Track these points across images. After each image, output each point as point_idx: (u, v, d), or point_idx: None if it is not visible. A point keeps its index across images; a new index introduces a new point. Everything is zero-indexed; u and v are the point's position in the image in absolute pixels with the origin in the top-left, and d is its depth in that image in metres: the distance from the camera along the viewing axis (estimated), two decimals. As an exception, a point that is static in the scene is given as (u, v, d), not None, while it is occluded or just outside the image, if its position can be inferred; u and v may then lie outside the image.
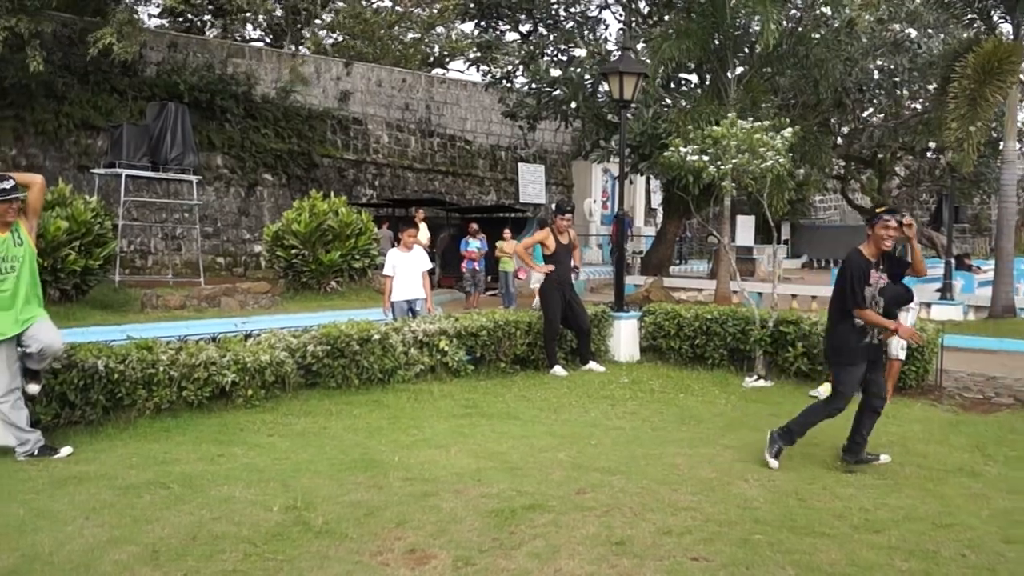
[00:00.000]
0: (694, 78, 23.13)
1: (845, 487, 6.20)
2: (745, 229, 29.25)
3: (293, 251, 18.85)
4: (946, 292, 18.97)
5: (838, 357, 6.81)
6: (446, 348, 9.82)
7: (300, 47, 33.47)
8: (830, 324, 6.86)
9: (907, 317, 9.58)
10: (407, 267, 11.03)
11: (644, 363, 11.39)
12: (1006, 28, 18.07)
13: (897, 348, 9.52)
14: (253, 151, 26.33)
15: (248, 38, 34.14)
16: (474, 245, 18.66)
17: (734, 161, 10.19)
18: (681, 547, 4.90)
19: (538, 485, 5.98)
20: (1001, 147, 18.33)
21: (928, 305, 18.58)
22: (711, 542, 5.00)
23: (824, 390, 9.45)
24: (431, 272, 11.67)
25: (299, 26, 32.15)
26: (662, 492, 5.91)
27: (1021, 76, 18.44)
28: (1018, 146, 29.27)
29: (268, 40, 33.60)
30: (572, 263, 11.02)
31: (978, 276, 22.84)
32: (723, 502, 5.74)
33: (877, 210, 6.93)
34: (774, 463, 6.70)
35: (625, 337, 11.56)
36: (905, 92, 24.84)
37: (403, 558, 4.69)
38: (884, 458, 6.90)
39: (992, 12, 18.30)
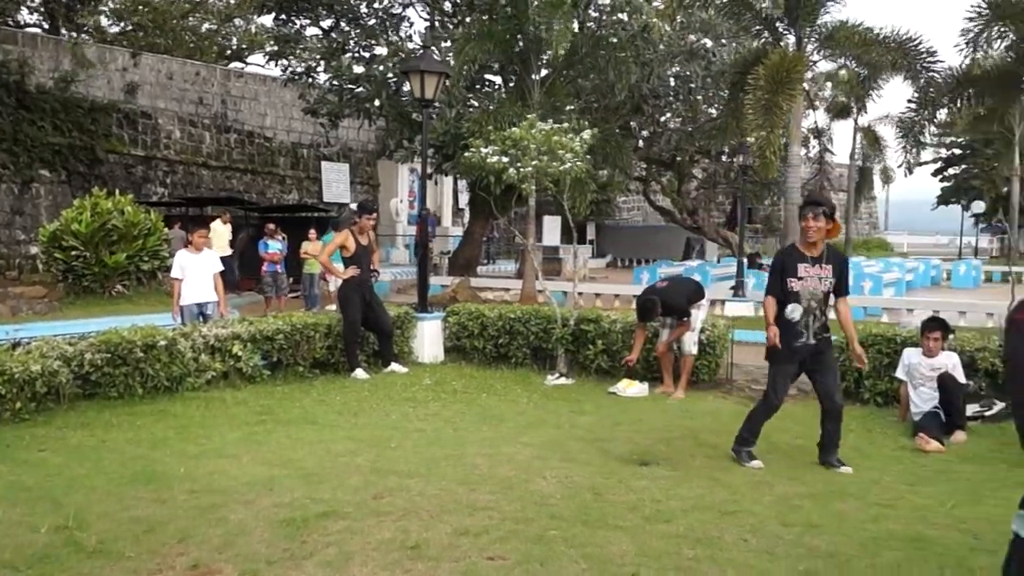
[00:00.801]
0: (499, 79, 23.47)
1: (639, 480, 6.43)
2: (551, 229, 29.94)
3: (73, 253, 17.80)
4: (738, 290, 20.08)
5: (769, 355, 6.97)
6: (240, 353, 9.53)
7: (81, 34, 31.65)
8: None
9: (698, 314, 10.09)
10: (197, 269, 10.63)
11: (448, 364, 11.45)
12: (792, 39, 19.31)
13: (690, 344, 9.99)
14: (28, 145, 24.66)
15: (23, 23, 31.98)
16: (274, 247, 18.18)
17: (534, 163, 10.40)
18: (477, 547, 4.94)
19: (333, 491, 5.89)
20: (787, 152, 19.56)
21: (722, 302, 19.62)
22: (507, 540, 5.06)
23: (623, 386, 9.80)
24: (227, 274, 11.29)
25: (79, 9, 30.36)
26: (460, 493, 5.94)
27: (804, 84, 19.77)
28: (803, 151, 31.41)
29: (45, 26, 31.57)
30: (371, 265, 10.93)
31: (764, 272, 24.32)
32: (521, 500, 5.83)
33: (800, 206, 7.18)
34: (756, 463, 6.97)
35: (429, 338, 11.58)
36: (700, 98, 26.15)
37: (185, 575, 4.50)
38: (845, 469, 6.98)
39: (777, 24, 19.51)
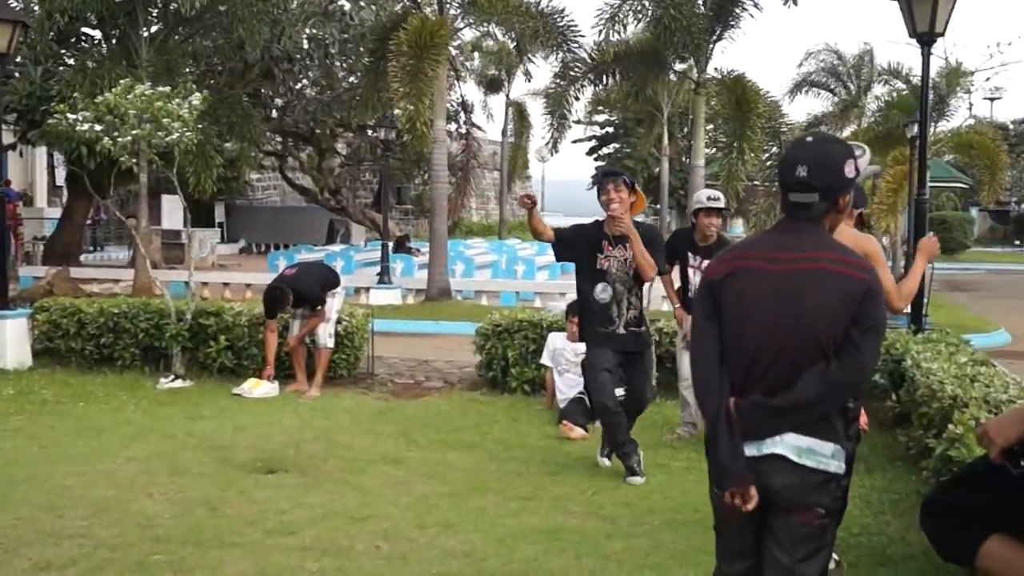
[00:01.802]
0: (99, 34, 22.14)
1: (263, 489, 6.35)
2: (172, 210, 28.74)
3: None
4: (384, 276, 20.39)
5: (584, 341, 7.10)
6: None
7: None
8: None
9: (333, 303, 10.10)
10: None
11: (37, 370, 10.66)
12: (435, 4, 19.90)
13: (325, 336, 9.99)
14: None
15: None
16: None
17: (134, 132, 9.90)
18: (61, 583, 4.66)
19: None
20: (432, 127, 20.06)
21: (367, 289, 19.86)
22: (100, 571, 4.82)
23: (249, 386, 9.62)
24: None
25: None
26: (44, 520, 5.57)
27: (451, 50, 20.46)
28: (452, 126, 32.47)
29: None
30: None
31: (417, 258, 24.88)
32: (120, 523, 5.57)
33: (598, 178, 7.08)
34: (605, 462, 7.17)
35: (12, 340, 10.73)
36: (339, 64, 26.24)
37: None
38: (634, 479, 6.78)
39: (419, -14, 20.05)
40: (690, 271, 7.93)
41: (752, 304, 3.08)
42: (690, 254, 7.93)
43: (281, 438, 7.82)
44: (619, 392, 6.88)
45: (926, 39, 9.68)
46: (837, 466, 3.06)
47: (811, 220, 3.13)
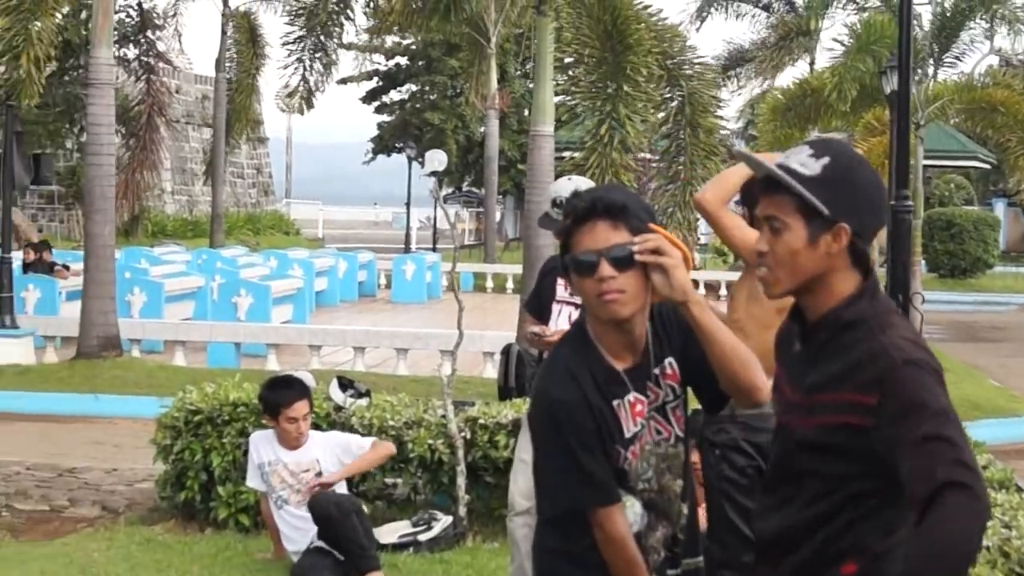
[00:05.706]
0: None
1: None
2: None
3: None
4: (6, 314, 19.60)
5: None
6: None
7: None
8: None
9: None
10: None
11: None
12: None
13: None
14: None
15: None
16: None
17: None
18: None
19: None
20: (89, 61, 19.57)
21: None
22: None
23: None
24: None
25: None
26: None
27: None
28: (133, 52, 31.95)
29: None
30: None
31: (65, 282, 24.06)
32: None
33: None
34: None
35: None
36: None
37: None
38: None
39: None
40: (555, 306, 7.60)
41: None
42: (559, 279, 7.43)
43: None
44: None
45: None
46: None
47: None
